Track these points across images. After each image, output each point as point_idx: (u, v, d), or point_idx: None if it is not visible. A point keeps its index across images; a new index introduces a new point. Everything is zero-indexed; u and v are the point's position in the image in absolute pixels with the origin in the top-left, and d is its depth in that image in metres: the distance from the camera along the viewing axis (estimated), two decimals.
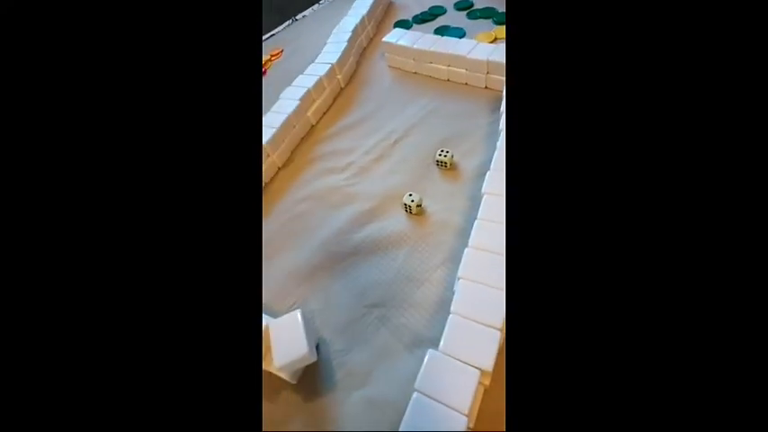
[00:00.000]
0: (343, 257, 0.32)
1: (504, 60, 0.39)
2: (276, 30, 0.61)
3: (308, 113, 0.42)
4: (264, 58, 0.55)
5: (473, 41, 0.43)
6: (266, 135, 0.37)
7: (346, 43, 0.47)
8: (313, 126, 0.43)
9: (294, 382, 0.25)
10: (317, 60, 0.46)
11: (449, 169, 0.36)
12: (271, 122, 0.39)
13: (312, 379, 0.26)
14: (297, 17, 0.63)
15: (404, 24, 0.54)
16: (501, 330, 0.22)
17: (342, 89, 0.47)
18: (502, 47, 0.41)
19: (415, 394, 0.21)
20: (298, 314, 0.25)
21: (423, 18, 0.54)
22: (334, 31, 0.50)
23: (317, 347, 0.27)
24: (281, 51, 0.56)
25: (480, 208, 0.28)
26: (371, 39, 0.54)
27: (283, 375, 0.25)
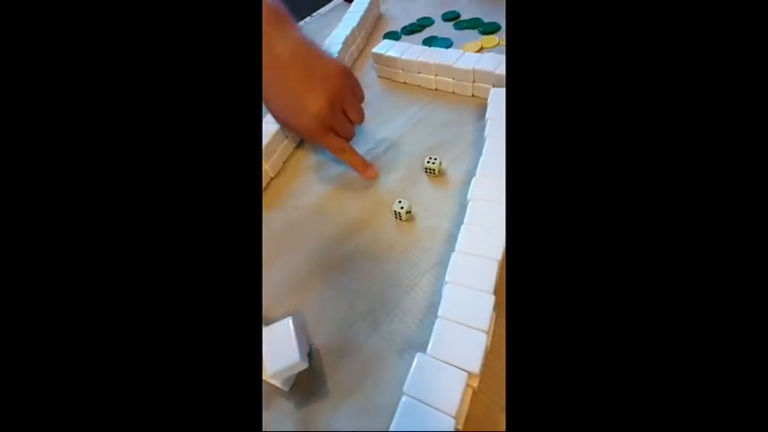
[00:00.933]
0: (334, 265, 0.32)
1: (489, 69, 0.40)
2: None
3: None
4: None
5: (460, 51, 0.44)
6: None
7: (337, 54, 0.48)
8: None
9: (287, 389, 0.26)
10: None
11: (437, 176, 0.36)
12: (263, 132, 0.39)
13: (304, 385, 0.26)
14: None
15: (393, 36, 0.55)
16: (487, 333, 0.23)
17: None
18: (488, 56, 0.42)
19: (403, 397, 0.21)
20: (290, 321, 0.25)
21: (411, 29, 0.56)
22: (326, 42, 0.51)
23: (310, 354, 0.27)
24: None
25: (466, 213, 0.29)
26: (362, 50, 0.55)
27: (276, 382, 0.25)
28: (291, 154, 0.42)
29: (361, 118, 0.37)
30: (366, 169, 0.37)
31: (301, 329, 0.26)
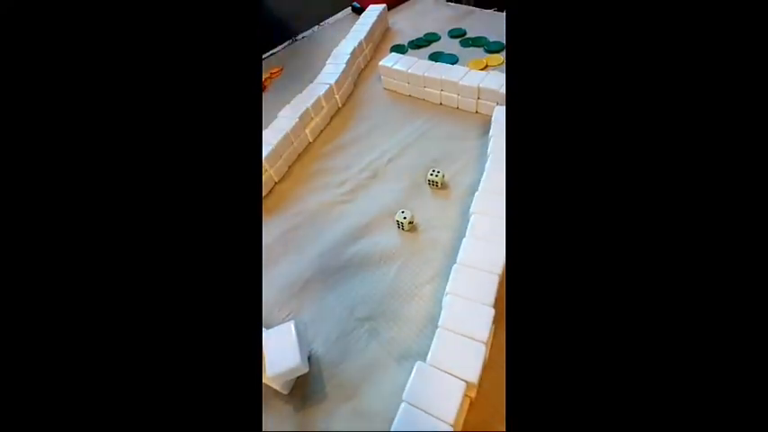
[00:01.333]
0: (336, 271, 0.33)
1: (494, 87, 0.41)
2: (276, 49, 0.63)
3: (306, 131, 0.44)
4: (264, 75, 0.56)
5: (465, 68, 0.45)
6: (264, 150, 0.39)
7: (344, 65, 0.49)
8: (310, 143, 0.45)
9: (286, 392, 0.26)
10: (315, 80, 0.47)
11: (440, 188, 0.37)
12: (269, 139, 0.40)
13: (303, 389, 0.26)
14: (297, 37, 0.65)
15: (400, 49, 0.57)
16: (486, 344, 0.23)
17: (339, 109, 0.49)
18: (492, 74, 0.43)
19: (402, 405, 0.22)
20: (291, 325, 0.26)
21: (418, 44, 0.57)
22: (333, 52, 0.52)
23: (309, 358, 0.27)
24: (281, 69, 0.58)
25: (468, 226, 0.30)
26: (369, 62, 0.56)
27: (275, 385, 0.25)
28: (296, 160, 0.43)
29: None
30: None
31: (302, 334, 0.27)
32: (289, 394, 0.26)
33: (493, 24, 0.57)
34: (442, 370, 0.23)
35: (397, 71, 0.48)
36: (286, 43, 0.64)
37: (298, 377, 0.26)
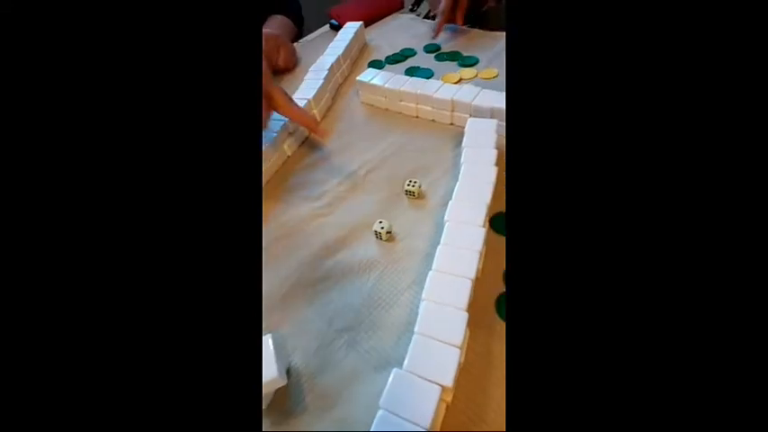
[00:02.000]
0: (315, 283, 0.33)
1: (467, 100, 0.43)
2: None
3: (284, 146, 0.44)
4: None
5: (440, 82, 0.46)
6: None
7: (322, 80, 0.50)
8: (288, 157, 0.45)
9: (264, 406, 0.26)
10: (294, 95, 0.48)
11: (417, 198, 0.38)
12: None
13: (282, 402, 0.26)
14: None
15: (377, 64, 0.58)
16: (461, 348, 0.24)
17: (317, 123, 0.49)
18: (466, 88, 0.45)
19: (379, 411, 0.22)
20: (269, 339, 0.26)
21: (394, 59, 0.59)
22: (312, 68, 0.53)
23: (288, 371, 0.27)
24: None
25: (443, 234, 0.30)
26: (346, 77, 0.57)
27: None
28: (275, 173, 0.43)
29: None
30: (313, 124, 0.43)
31: (280, 347, 0.27)
32: (267, 408, 0.26)
33: (466, 40, 0.60)
34: (417, 375, 0.23)
35: (375, 86, 0.49)
36: None
37: (276, 390, 0.26)
